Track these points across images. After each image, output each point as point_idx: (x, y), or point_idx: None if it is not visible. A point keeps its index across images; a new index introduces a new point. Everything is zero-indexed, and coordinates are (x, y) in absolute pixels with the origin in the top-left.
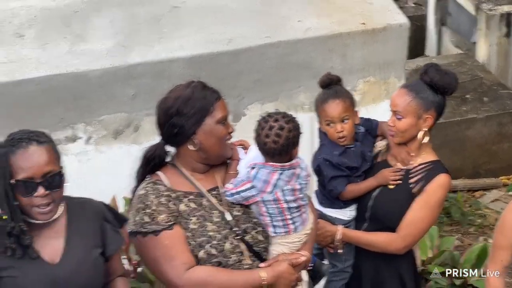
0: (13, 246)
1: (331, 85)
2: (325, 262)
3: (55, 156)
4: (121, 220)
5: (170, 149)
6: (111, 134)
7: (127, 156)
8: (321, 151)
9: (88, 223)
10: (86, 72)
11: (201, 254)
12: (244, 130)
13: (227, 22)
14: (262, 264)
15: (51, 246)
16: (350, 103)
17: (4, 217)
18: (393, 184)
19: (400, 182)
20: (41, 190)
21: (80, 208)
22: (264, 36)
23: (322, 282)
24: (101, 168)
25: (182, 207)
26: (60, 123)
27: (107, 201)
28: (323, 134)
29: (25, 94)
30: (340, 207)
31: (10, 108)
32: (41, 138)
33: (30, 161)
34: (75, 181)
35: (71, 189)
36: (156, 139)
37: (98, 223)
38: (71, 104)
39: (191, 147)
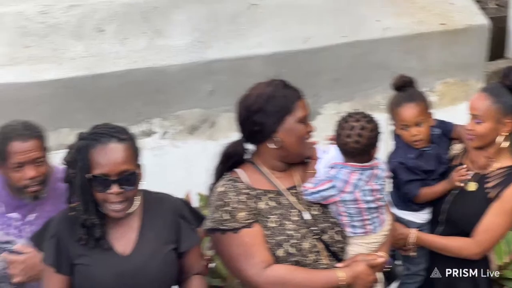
0: (85, 237)
1: (405, 87)
2: (399, 263)
3: (133, 155)
4: (198, 218)
5: (249, 146)
6: (187, 130)
7: (203, 152)
8: (396, 154)
9: (163, 218)
10: (164, 67)
11: (280, 252)
12: (319, 129)
13: (305, 21)
14: (339, 264)
15: (124, 238)
16: (425, 106)
17: (78, 208)
18: (459, 183)
19: (467, 178)
20: (115, 188)
21: (157, 203)
22: (342, 35)
23: (396, 284)
24: (176, 163)
25: (261, 205)
26: (137, 117)
27: (182, 196)
28: (397, 137)
29: (104, 88)
30: (415, 210)
31: (89, 102)
32: (122, 135)
33: (108, 158)
34: (149, 176)
35: (146, 183)
36: (232, 135)
37: (173, 219)
38: (149, 98)
39: (271, 145)
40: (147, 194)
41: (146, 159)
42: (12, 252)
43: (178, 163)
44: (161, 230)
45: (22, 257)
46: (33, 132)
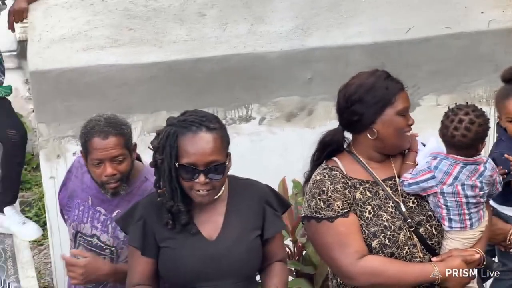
0: (171, 222)
1: None
2: (495, 259)
3: (222, 145)
4: (284, 205)
5: (348, 135)
6: (284, 116)
7: (299, 139)
8: (499, 146)
9: (250, 205)
10: (264, 54)
11: (375, 243)
12: (417, 120)
13: (407, 11)
14: (434, 259)
15: (210, 223)
16: None
17: (164, 193)
18: None
19: None
20: (201, 178)
21: (244, 189)
22: (445, 26)
23: (490, 280)
24: (272, 150)
25: (357, 195)
26: (235, 102)
27: (277, 183)
28: (502, 129)
29: (204, 72)
30: None
31: (189, 85)
32: (212, 125)
33: (196, 147)
34: (246, 161)
35: (241, 168)
36: (329, 124)
37: (259, 206)
38: (247, 84)
39: (369, 136)
40: (234, 179)
41: (243, 144)
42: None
43: (275, 150)
44: (246, 216)
45: (82, 261)
46: (115, 129)
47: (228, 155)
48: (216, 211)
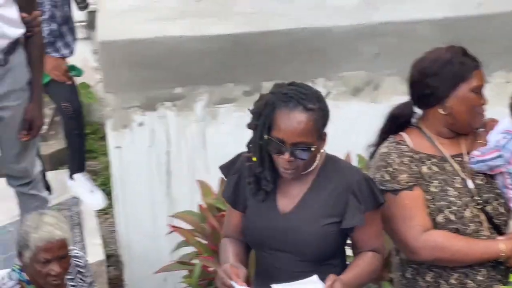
0: (253, 186)
1: None
2: None
3: (315, 127)
4: (376, 201)
5: (417, 110)
6: (350, 91)
7: (365, 114)
8: None
9: (335, 189)
10: (330, 28)
11: (439, 218)
12: (488, 98)
13: None
14: (501, 237)
15: (288, 196)
16: None
17: (254, 159)
18: None
19: None
20: (286, 155)
21: (335, 173)
22: None
23: None
24: (337, 124)
25: (424, 169)
26: (300, 76)
27: (341, 157)
28: None
29: (269, 45)
30: None
31: (254, 58)
32: (310, 104)
33: (287, 125)
34: None
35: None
36: (395, 99)
37: (344, 194)
38: (313, 58)
39: (440, 111)
40: (331, 160)
41: None
42: None
43: (339, 124)
44: (326, 200)
45: None
46: None
47: (322, 135)
48: (299, 186)
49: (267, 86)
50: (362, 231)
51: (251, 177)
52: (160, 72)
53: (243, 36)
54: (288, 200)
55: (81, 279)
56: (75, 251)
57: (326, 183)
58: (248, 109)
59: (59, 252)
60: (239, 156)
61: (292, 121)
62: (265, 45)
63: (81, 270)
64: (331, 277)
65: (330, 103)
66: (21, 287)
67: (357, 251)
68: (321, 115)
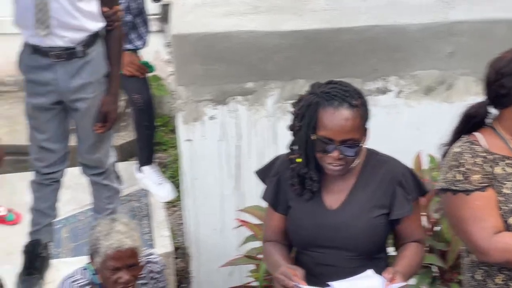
0: (299, 187)
1: None
2: None
3: (361, 123)
4: (420, 190)
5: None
6: (422, 90)
7: (437, 113)
8: None
9: (380, 182)
10: (404, 26)
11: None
12: None
13: None
14: None
15: (335, 193)
16: None
17: (298, 160)
18: None
19: None
20: (335, 153)
21: (379, 166)
22: None
23: None
24: (408, 123)
25: (497, 170)
26: (373, 74)
27: (411, 157)
28: None
29: (342, 42)
30: None
31: (327, 55)
32: (354, 101)
33: (335, 123)
34: (381, 133)
35: (376, 139)
36: (469, 99)
37: (390, 185)
38: (386, 56)
39: None
40: (372, 154)
41: (379, 116)
42: None
43: (410, 123)
44: (374, 193)
45: None
46: None
47: (365, 130)
48: (344, 182)
49: None
50: (408, 221)
51: (295, 178)
52: (232, 66)
53: (317, 32)
54: (334, 196)
55: (154, 284)
56: (153, 256)
57: (371, 176)
58: (289, 111)
59: (129, 260)
60: (276, 159)
61: (339, 118)
62: (338, 42)
63: (155, 276)
64: (390, 270)
65: (401, 101)
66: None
67: (401, 243)
68: (364, 111)
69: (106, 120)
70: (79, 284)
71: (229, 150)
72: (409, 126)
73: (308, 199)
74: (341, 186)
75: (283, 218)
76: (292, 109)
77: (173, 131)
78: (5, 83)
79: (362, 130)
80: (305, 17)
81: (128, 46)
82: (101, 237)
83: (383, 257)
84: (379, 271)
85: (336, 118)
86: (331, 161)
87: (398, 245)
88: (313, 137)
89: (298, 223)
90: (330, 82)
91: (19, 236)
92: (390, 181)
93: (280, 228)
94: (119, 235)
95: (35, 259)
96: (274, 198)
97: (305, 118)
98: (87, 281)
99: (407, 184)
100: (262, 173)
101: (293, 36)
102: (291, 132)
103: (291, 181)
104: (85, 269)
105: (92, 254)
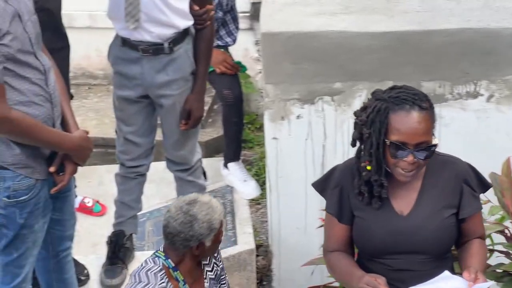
0: (367, 195)
1: None
2: None
3: (432, 126)
4: (484, 185)
5: None
6: None
7: None
8: None
9: (446, 182)
10: (498, 29)
11: None
12: None
13: None
14: None
15: (403, 198)
16: None
17: (368, 167)
18: None
19: None
20: (410, 157)
21: (442, 166)
22: None
23: None
24: (498, 128)
25: None
26: (463, 77)
27: (500, 162)
28: None
29: (434, 45)
30: None
31: (417, 57)
32: (424, 104)
33: (409, 126)
34: (470, 137)
35: (465, 144)
36: None
37: (457, 184)
38: (478, 60)
39: None
40: (433, 155)
41: (469, 121)
42: None
43: (501, 128)
44: (442, 194)
45: None
46: None
47: (433, 135)
48: (411, 186)
49: (427, 86)
50: (474, 219)
51: (363, 187)
52: (321, 66)
53: (409, 34)
54: (403, 201)
55: (215, 263)
56: None
57: (437, 177)
58: (355, 120)
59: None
60: (334, 170)
61: (412, 122)
62: (429, 44)
63: (215, 255)
64: (471, 270)
65: (492, 106)
66: (166, 273)
67: (465, 240)
68: (433, 113)
69: (190, 117)
70: (154, 272)
71: (315, 150)
72: (498, 131)
73: (378, 207)
74: (408, 190)
75: (348, 228)
76: (356, 118)
77: (259, 129)
78: (96, 76)
79: (432, 133)
80: (397, 18)
81: (218, 43)
82: (209, 215)
83: (450, 256)
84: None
85: (409, 121)
86: (404, 166)
87: (461, 243)
88: (387, 142)
89: (369, 232)
90: (394, 88)
91: (104, 227)
92: (456, 180)
93: (344, 238)
94: (216, 203)
95: (119, 250)
96: (338, 209)
97: (375, 124)
98: (160, 267)
99: (472, 181)
100: (320, 185)
101: (383, 37)
102: (358, 140)
103: (360, 190)
104: (156, 257)
105: (203, 239)
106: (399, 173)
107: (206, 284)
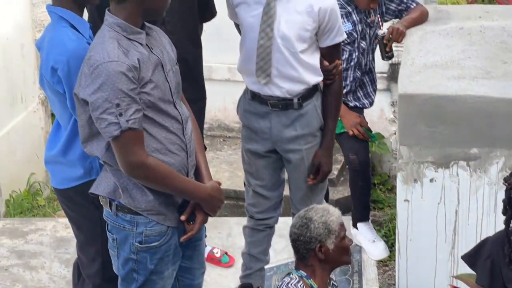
0: None
1: None
2: None
3: None
4: None
5: None
6: None
7: None
8: None
9: None
10: None
11: None
12: None
13: None
14: None
15: None
16: None
17: None
18: None
19: None
20: None
21: None
22: None
23: None
24: None
25: None
26: None
27: None
28: None
29: None
30: None
31: None
32: None
33: None
34: None
35: None
36: None
37: None
38: None
39: None
40: None
41: None
42: None
43: None
44: None
45: None
46: None
47: None
48: None
49: None
50: None
51: None
52: (458, 130)
53: None
54: None
55: None
56: None
57: None
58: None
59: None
60: (484, 242)
61: None
62: None
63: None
64: None
65: None
66: (303, 283)
67: None
68: None
69: (318, 172)
70: (293, 283)
71: (447, 215)
72: None
73: None
74: None
75: None
76: (505, 182)
77: (391, 190)
78: (231, 129)
79: None
80: None
81: (356, 104)
82: (325, 217)
83: None
84: None
85: None
86: None
87: None
88: None
89: None
90: None
91: (231, 279)
92: None
93: None
94: (333, 208)
95: None
96: (490, 281)
97: None
98: (297, 280)
99: None
100: (470, 258)
101: None
102: (508, 206)
103: (510, 258)
104: (288, 274)
105: (323, 240)
106: None
107: None
